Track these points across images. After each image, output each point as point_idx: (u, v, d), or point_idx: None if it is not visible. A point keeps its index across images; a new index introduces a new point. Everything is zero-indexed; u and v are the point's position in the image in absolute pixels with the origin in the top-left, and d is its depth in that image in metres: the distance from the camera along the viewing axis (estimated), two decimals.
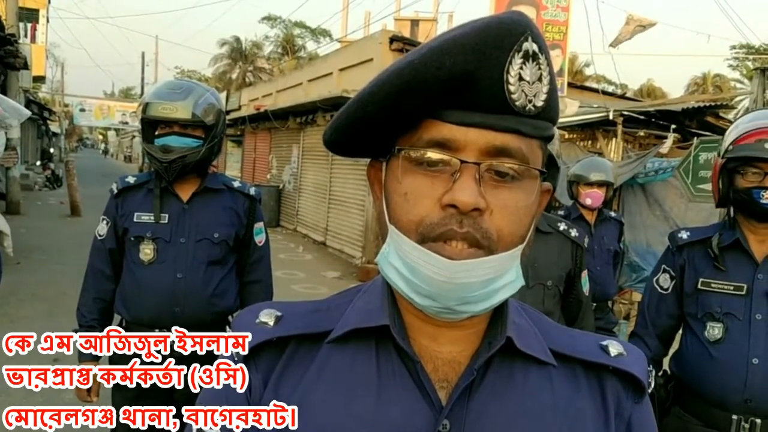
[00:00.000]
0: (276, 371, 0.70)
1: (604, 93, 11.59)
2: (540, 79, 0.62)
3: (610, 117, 7.17)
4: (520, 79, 0.60)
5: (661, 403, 2.12)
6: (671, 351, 2.20)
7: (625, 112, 7.36)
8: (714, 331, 1.93)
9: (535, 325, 0.74)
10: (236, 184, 2.41)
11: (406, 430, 0.65)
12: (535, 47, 0.61)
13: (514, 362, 0.69)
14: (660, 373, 2.18)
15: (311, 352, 0.71)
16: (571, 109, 7.80)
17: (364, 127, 0.67)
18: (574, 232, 2.05)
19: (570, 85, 10.55)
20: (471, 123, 0.61)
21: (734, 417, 1.86)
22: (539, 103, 0.62)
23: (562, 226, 2.05)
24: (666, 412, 2.10)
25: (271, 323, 0.72)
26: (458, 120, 0.62)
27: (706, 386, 1.94)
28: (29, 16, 20.41)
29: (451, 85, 0.60)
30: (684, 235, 2.08)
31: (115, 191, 2.32)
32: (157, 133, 2.23)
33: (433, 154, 0.62)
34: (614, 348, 0.73)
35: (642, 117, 7.64)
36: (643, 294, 2.26)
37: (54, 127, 35.90)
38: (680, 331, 2.14)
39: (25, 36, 19.76)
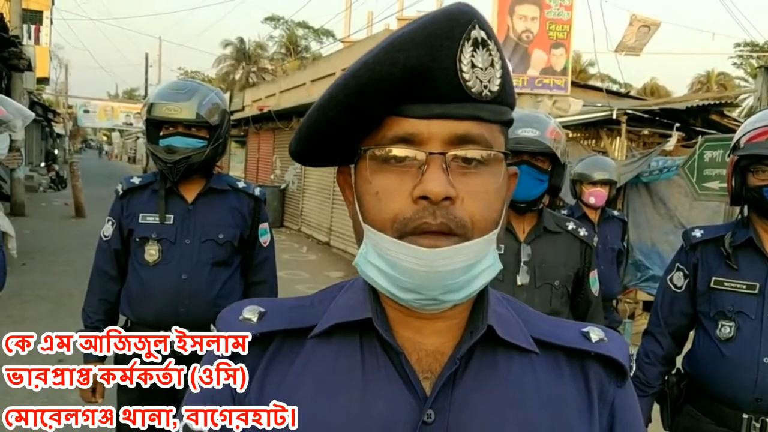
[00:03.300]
0: (260, 368, 0.71)
1: (608, 92, 11.51)
2: (492, 65, 0.63)
3: (614, 116, 7.16)
4: (473, 66, 0.62)
5: (673, 402, 2.12)
6: (685, 349, 2.19)
7: (629, 111, 7.33)
8: (726, 329, 1.92)
9: (517, 314, 0.75)
10: (241, 184, 2.40)
11: (392, 422, 0.66)
12: (483, 34, 0.62)
13: (496, 351, 0.70)
14: (673, 372, 2.18)
15: (295, 347, 0.72)
16: (574, 108, 7.79)
17: (328, 134, 0.68)
18: (582, 232, 2.03)
19: (574, 84, 10.53)
20: (431, 115, 0.62)
21: (745, 416, 1.86)
22: (494, 88, 0.64)
23: (571, 226, 2.04)
24: (678, 411, 2.10)
25: (255, 319, 0.73)
26: (419, 113, 0.63)
27: (717, 385, 1.93)
28: (33, 17, 20.44)
29: (407, 80, 0.61)
30: (697, 233, 2.07)
31: (120, 192, 2.32)
32: (161, 133, 2.22)
33: (398, 151, 0.63)
34: (595, 334, 0.74)
35: (646, 116, 7.61)
36: (656, 292, 2.26)
37: (58, 129, 36.09)
38: (693, 330, 2.13)
39: (29, 38, 19.80)
